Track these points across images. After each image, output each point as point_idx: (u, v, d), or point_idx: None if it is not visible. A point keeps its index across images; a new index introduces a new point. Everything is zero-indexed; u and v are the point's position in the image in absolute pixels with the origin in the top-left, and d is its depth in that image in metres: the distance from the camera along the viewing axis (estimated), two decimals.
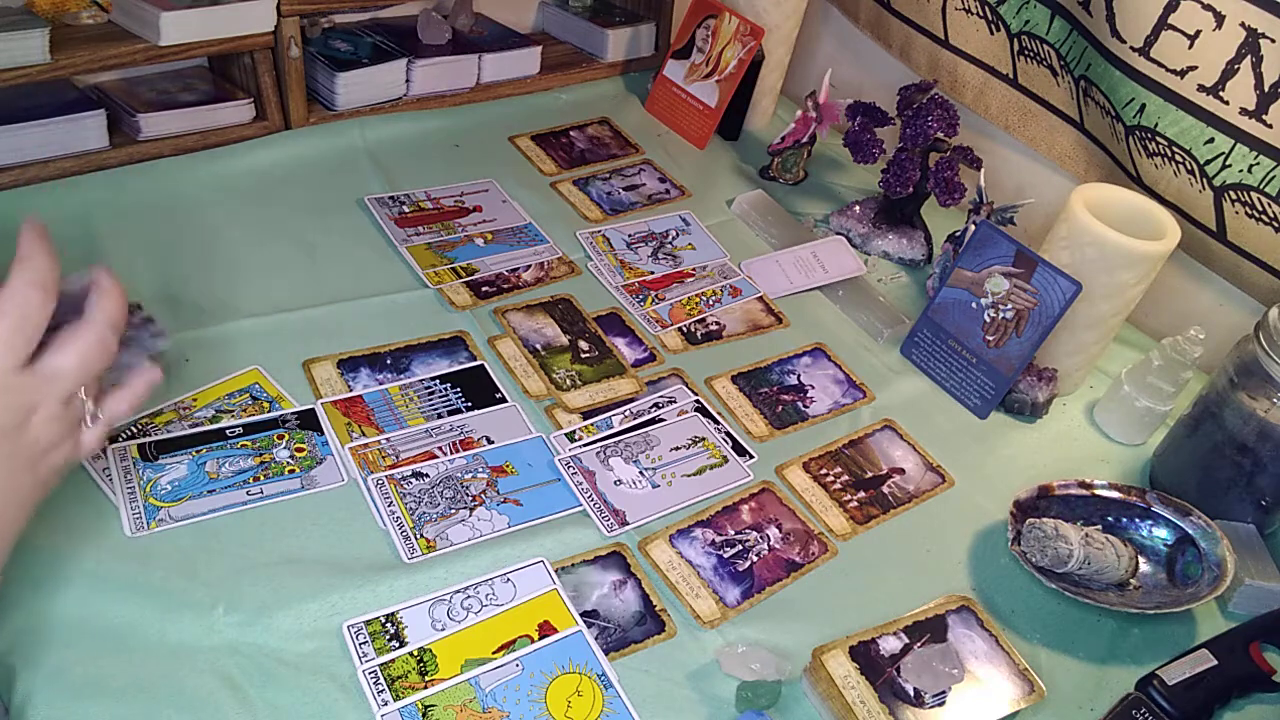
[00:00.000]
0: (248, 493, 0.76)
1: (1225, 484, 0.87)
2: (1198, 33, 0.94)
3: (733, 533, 0.81)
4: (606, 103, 1.36)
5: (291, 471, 0.78)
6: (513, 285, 1.02)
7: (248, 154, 1.10)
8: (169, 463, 0.77)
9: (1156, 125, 1.00)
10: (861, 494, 0.87)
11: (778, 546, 0.81)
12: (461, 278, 1.01)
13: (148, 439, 0.78)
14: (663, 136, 1.32)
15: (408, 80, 1.22)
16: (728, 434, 0.90)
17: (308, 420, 0.83)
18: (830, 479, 0.88)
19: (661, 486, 0.83)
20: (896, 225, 1.17)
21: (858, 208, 1.19)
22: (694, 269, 1.09)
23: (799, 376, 0.98)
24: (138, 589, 0.68)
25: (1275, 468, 0.84)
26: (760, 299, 1.07)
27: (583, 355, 0.95)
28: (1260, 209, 0.95)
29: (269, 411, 0.83)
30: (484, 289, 1.00)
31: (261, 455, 0.79)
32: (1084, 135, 1.14)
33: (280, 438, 0.81)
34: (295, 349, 0.89)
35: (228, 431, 0.80)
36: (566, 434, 0.87)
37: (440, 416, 0.86)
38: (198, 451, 0.78)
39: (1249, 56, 0.91)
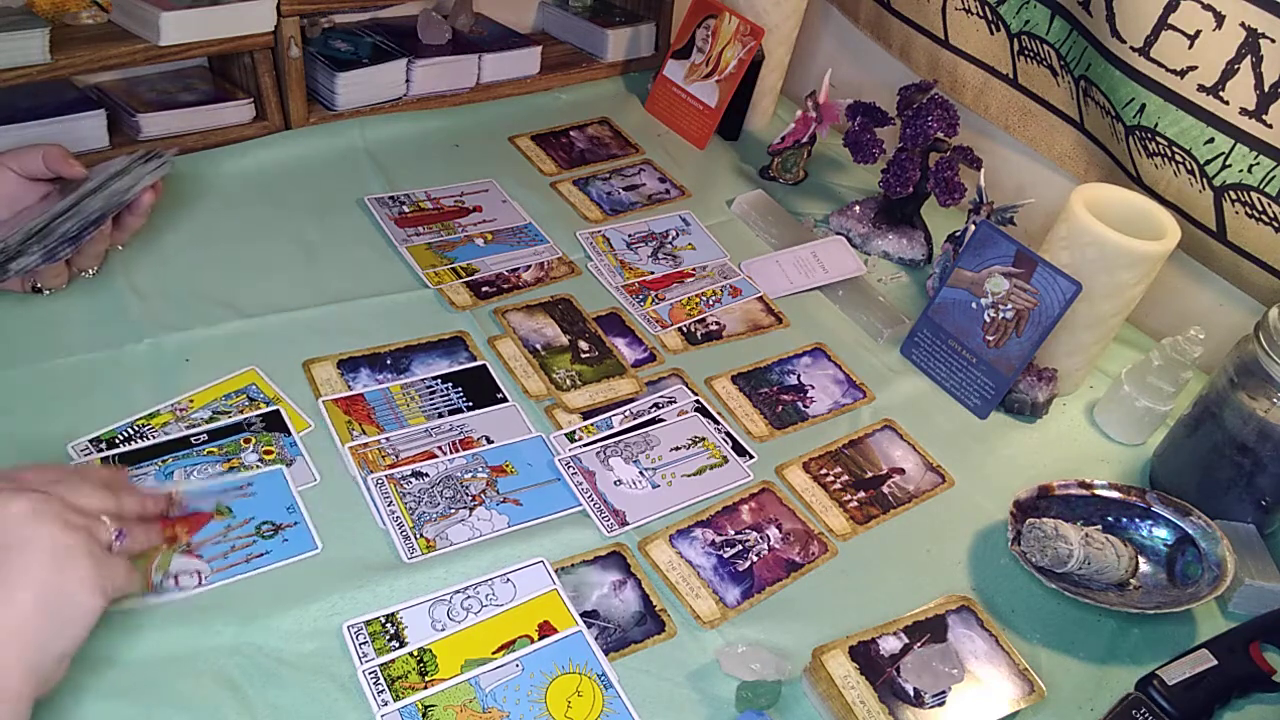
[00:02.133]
0: None
1: (1225, 484, 0.87)
2: (1198, 33, 0.94)
3: (733, 533, 0.81)
4: (606, 103, 1.36)
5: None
6: (513, 285, 1.02)
7: (248, 154, 1.10)
8: (135, 475, 0.75)
9: (1156, 125, 1.00)
10: (861, 494, 0.87)
11: (778, 546, 0.81)
12: (461, 278, 1.01)
13: (114, 450, 0.76)
14: (663, 136, 1.32)
15: (408, 80, 1.22)
16: (728, 434, 0.90)
17: (273, 421, 0.82)
18: (830, 479, 0.88)
19: (661, 486, 0.83)
20: (896, 225, 1.17)
21: (858, 208, 1.19)
22: (694, 269, 1.09)
23: (799, 376, 0.98)
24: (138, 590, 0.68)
25: (1275, 468, 0.84)
26: (760, 299, 1.07)
27: (583, 355, 0.95)
28: (1260, 209, 0.95)
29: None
30: (484, 289, 1.00)
31: (230, 460, 0.78)
32: (1084, 135, 1.14)
33: (246, 441, 0.80)
34: (295, 349, 0.89)
35: (192, 439, 0.79)
36: (566, 434, 0.87)
37: (441, 416, 0.86)
38: (163, 462, 0.77)
39: (1249, 56, 0.91)
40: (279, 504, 0.76)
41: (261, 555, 0.72)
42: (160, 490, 0.73)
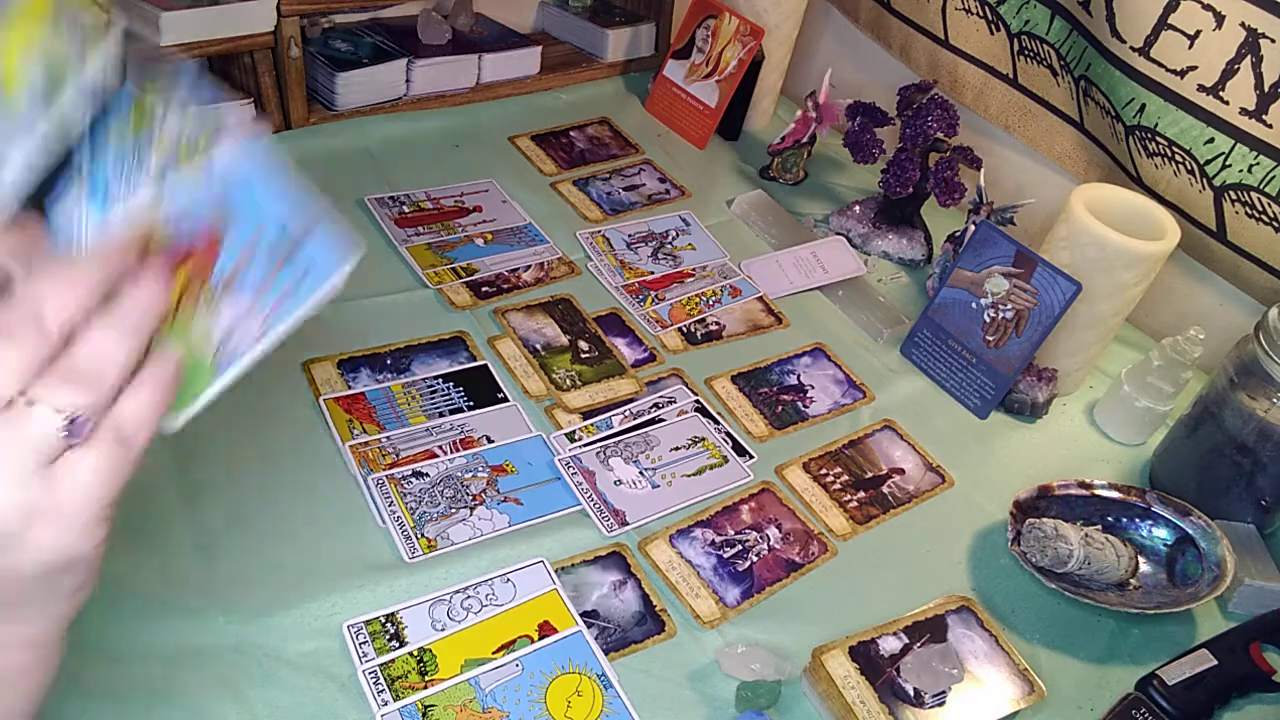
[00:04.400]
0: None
1: (1225, 484, 0.87)
2: (1198, 33, 0.94)
3: (733, 533, 0.81)
4: (606, 103, 1.36)
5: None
6: (513, 285, 1.02)
7: None
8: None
9: (1156, 125, 1.00)
10: (861, 494, 0.87)
11: (778, 546, 0.81)
12: (461, 278, 1.01)
13: None
14: (663, 136, 1.32)
15: (408, 80, 1.22)
16: (728, 434, 0.90)
17: None
18: (830, 479, 0.88)
19: (661, 486, 0.83)
20: (896, 225, 1.17)
21: (858, 208, 1.19)
22: (694, 269, 1.09)
23: (799, 376, 0.98)
24: (137, 589, 0.68)
25: (1275, 468, 0.84)
26: (760, 299, 1.07)
27: (583, 355, 0.95)
28: (1260, 209, 0.95)
29: None
30: (484, 289, 1.00)
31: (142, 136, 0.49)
32: (1084, 135, 1.14)
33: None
34: (295, 349, 0.89)
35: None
36: (566, 434, 0.87)
37: (442, 415, 0.86)
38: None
39: (1249, 56, 0.91)
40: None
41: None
42: (121, 237, 0.43)
